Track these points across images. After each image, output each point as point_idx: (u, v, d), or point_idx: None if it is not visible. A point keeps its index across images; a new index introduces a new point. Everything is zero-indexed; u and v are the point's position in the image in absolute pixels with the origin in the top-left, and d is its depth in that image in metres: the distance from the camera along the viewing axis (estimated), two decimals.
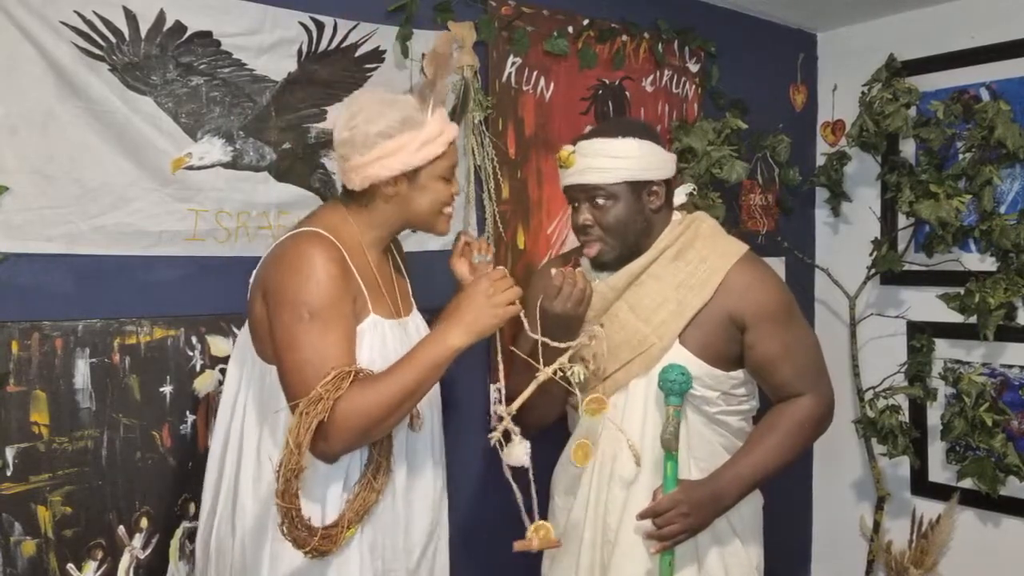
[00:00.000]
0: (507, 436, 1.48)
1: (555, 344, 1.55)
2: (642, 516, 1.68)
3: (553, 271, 1.65)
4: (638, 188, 1.73)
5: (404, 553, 1.58)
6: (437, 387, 1.65)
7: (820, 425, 1.80)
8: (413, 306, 1.69)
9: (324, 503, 1.47)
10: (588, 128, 2.27)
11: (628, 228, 1.74)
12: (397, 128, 1.47)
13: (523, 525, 1.50)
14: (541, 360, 1.53)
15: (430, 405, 1.63)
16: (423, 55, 2.07)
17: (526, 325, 1.53)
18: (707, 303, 1.73)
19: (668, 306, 1.74)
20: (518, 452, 1.46)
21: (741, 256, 1.78)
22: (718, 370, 1.74)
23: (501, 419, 1.48)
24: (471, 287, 1.48)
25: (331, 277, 1.41)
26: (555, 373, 1.54)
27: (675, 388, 1.64)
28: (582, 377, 1.57)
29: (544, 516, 1.56)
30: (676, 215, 1.84)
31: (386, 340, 1.51)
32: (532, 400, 1.52)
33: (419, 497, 1.61)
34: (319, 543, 1.39)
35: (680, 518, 1.65)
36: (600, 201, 1.71)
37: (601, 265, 1.79)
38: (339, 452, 1.40)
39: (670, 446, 1.65)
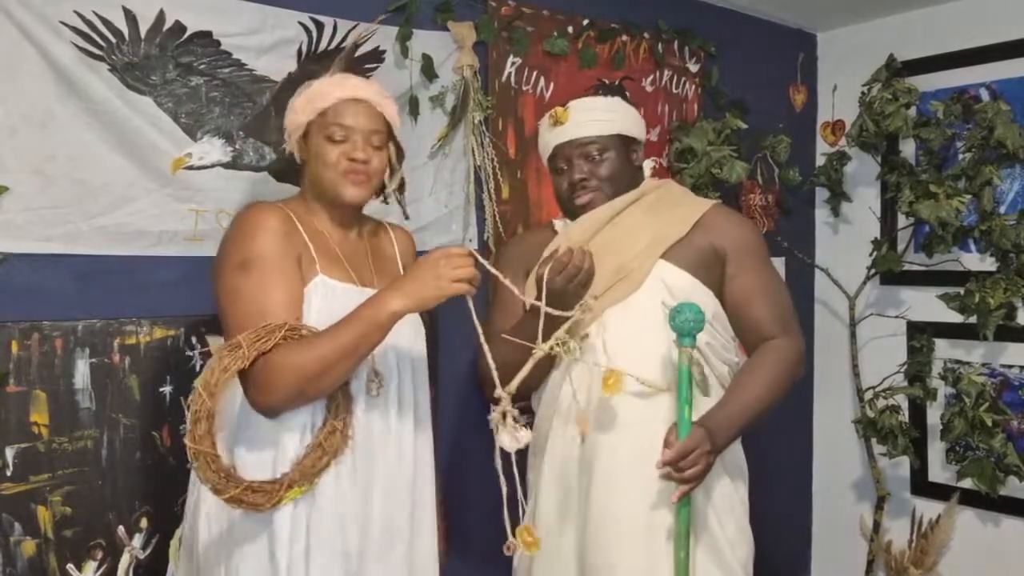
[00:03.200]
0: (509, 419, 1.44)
1: (557, 312, 1.54)
2: (666, 462, 1.62)
3: (562, 247, 1.62)
4: (626, 143, 1.85)
5: (360, 535, 1.49)
6: (422, 357, 1.61)
7: (798, 368, 1.83)
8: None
9: (275, 460, 1.43)
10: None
11: (620, 180, 1.84)
12: (298, 95, 1.58)
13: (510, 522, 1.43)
14: (540, 334, 1.50)
15: (396, 371, 1.56)
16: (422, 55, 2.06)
17: (517, 292, 1.53)
18: (686, 235, 1.80)
19: (645, 240, 1.79)
20: (507, 438, 1.41)
21: (716, 203, 1.91)
22: (704, 286, 1.78)
23: (498, 401, 1.42)
24: (426, 256, 1.45)
25: (267, 230, 1.44)
26: (551, 348, 1.51)
27: (686, 328, 1.61)
28: (578, 352, 1.55)
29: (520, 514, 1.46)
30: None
31: (334, 302, 1.47)
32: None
33: (386, 474, 1.53)
34: (242, 493, 1.34)
35: (704, 458, 1.61)
36: (596, 155, 1.81)
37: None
38: (276, 406, 1.40)
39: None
